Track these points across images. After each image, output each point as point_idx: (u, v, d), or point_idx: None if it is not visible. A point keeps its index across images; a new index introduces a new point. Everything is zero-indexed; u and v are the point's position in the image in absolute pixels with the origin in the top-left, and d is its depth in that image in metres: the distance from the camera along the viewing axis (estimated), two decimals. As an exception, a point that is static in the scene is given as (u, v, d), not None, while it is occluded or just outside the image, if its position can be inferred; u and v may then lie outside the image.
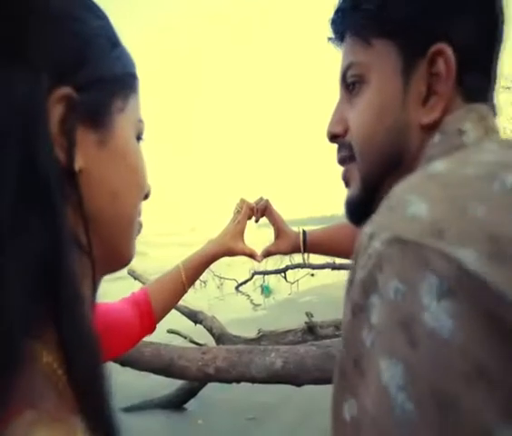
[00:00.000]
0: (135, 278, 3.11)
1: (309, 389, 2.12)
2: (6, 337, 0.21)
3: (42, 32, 0.26)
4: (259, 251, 0.81)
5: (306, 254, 0.83)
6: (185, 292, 0.70)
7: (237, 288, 9.37)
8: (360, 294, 0.24)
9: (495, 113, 0.37)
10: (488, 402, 0.18)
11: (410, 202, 0.24)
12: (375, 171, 0.40)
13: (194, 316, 3.05)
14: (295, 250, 0.80)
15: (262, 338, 2.91)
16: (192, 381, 2.85)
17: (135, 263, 3.06)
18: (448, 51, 0.35)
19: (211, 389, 3.01)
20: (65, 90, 0.27)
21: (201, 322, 3.02)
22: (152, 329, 0.65)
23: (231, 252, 0.75)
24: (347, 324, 0.25)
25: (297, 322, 2.84)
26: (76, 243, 0.28)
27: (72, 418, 0.23)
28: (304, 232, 0.80)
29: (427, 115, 0.37)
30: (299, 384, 2.04)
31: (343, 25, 0.43)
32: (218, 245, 0.74)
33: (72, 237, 0.27)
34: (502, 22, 0.37)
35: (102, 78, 0.30)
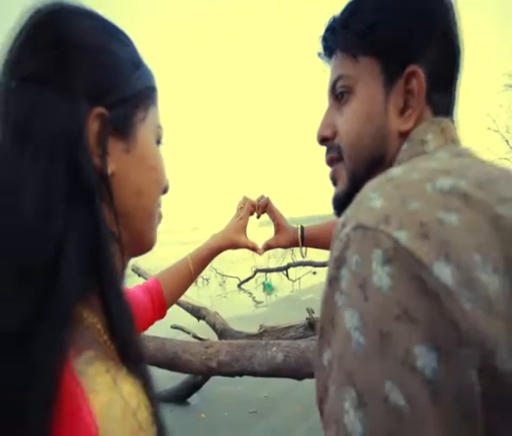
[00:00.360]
0: (140, 275, 3.17)
1: (309, 382, 2.17)
2: (66, 301, 0.28)
3: (81, 65, 0.33)
4: (260, 246, 0.87)
5: (304, 249, 0.89)
6: (192, 281, 0.76)
7: (239, 285, 9.42)
8: (334, 268, 0.32)
9: (455, 125, 0.44)
10: (411, 333, 0.26)
11: (371, 198, 0.32)
12: (360, 170, 0.46)
13: (197, 312, 3.10)
14: (293, 244, 0.85)
15: (264, 333, 2.96)
16: (195, 374, 2.91)
17: (140, 261, 3.12)
18: (420, 73, 0.42)
19: (214, 383, 3.07)
20: (99, 110, 0.34)
21: (203, 318, 3.06)
22: (163, 314, 0.71)
23: (234, 245, 0.80)
24: (325, 293, 0.33)
25: (298, 318, 2.88)
26: (110, 233, 0.35)
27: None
28: (302, 227, 0.86)
29: (403, 124, 0.44)
30: (299, 378, 2.08)
31: (334, 42, 0.48)
32: (222, 239, 0.79)
33: (108, 228, 0.34)
34: (461, 53, 0.45)
35: (127, 97, 0.37)
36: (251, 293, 8.66)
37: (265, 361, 2.15)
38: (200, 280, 9.31)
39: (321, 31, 0.50)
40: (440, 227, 0.28)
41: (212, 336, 2.94)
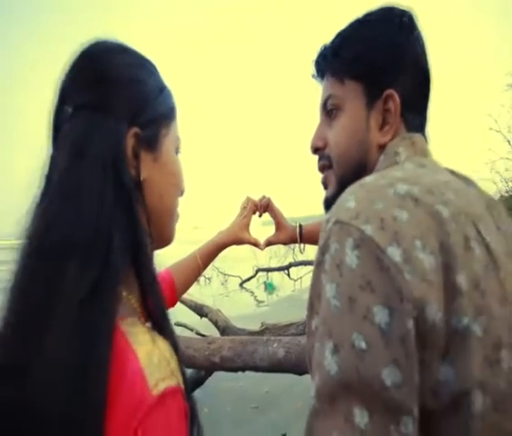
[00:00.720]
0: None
1: (310, 379, 2.21)
2: (114, 280, 0.37)
3: (120, 94, 0.42)
4: (262, 242, 0.94)
5: (303, 246, 0.96)
6: (200, 274, 0.85)
7: (241, 285, 9.46)
8: (320, 254, 0.41)
9: (426, 141, 0.53)
10: (371, 297, 0.35)
11: (347, 200, 0.41)
12: (347, 176, 0.54)
13: (200, 309, 3.16)
14: (292, 240, 0.94)
15: (265, 331, 3.01)
16: (198, 369, 2.96)
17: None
18: (396, 96, 0.51)
19: (217, 379, 3.12)
20: (134, 129, 0.43)
21: (206, 316, 3.12)
22: (174, 302, 0.79)
23: (238, 241, 0.89)
24: (313, 273, 0.42)
25: (299, 317, 2.93)
26: (144, 229, 0.43)
27: None
28: (300, 225, 0.94)
29: (382, 138, 0.53)
30: (300, 373, 2.14)
31: (325, 67, 0.58)
32: (227, 235, 0.88)
33: (143, 225, 0.42)
34: (429, 81, 0.55)
35: (154, 118, 0.46)
36: (252, 292, 8.70)
37: (267, 357, 2.22)
38: (202, 279, 9.36)
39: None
40: (394, 222, 0.38)
41: (215, 333, 2.99)
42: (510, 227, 0.47)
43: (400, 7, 0.55)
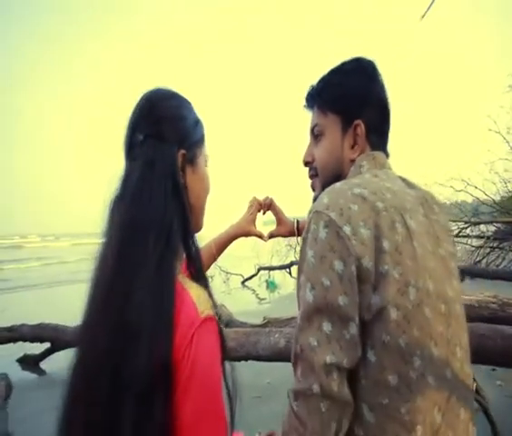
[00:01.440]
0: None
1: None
2: (174, 249, 0.57)
3: (172, 128, 0.63)
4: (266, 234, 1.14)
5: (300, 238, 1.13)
6: (215, 260, 1.04)
7: (243, 283, 9.58)
8: (305, 233, 0.63)
9: (387, 156, 0.74)
10: (333, 255, 0.59)
11: (323, 197, 0.64)
12: (328, 182, 0.73)
13: (205, 304, 3.28)
14: (291, 233, 1.13)
15: (267, 324, 3.15)
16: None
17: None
18: (362, 125, 0.74)
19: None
20: (182, 151, 0.64)
21: (211, 310, 3.25)
22: None
23: (246, 233, 1.09)
24: (301, 247, 0.64)
25: (300, 312, 3.04)
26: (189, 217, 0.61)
27: None
28: (297, 220, 1.13)
29: (352, 155, 0.75)
30: (300, 362, 2.26)
31: (313, 103, 0.81)
32: (237, 228, 1.08)
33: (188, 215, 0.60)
34: (389, 112, 0.74)
35: (193, 143, 0.66)
36: (254, 290, 8.80)
37: (268, 346, 2.35)
38: (204, 277, 9.43)
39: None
40: (349, 211, 0.60)
41: (219, 327, 3.11)
42: (438, 216, 0.68)
43: (367, 59, 0.75)
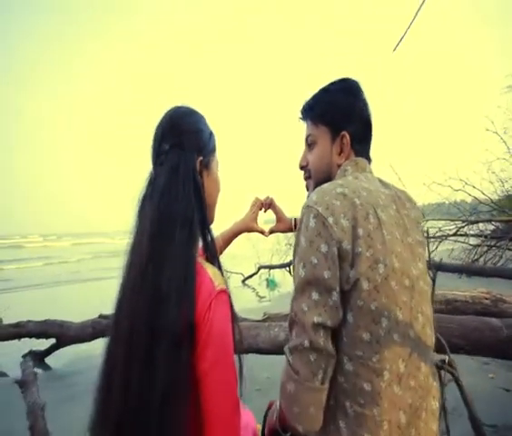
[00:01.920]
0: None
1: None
2: (195, 235, 0.72)
3: (192, 139, 0.74)
4: (267, 230, 1.27)
5: None
6: (221, 253, 1.16)
7: (243, 281, 9.68)
8: (299, 223, 0.78)
9: (369, 162, 0.87)
10: (320, 240, 0.73)
11: (312, 195, 0.79)
12: (319, 183, 0.85)
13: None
14: (290, 230, 1.24)
15: (268, 320, 3.23)
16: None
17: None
18: (347, 135, 0.89)
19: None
20: (200, 158, 0.78)
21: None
22: None
23: (249, 229, 1.21)
24: (295, 235, 0.73)
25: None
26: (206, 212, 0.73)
27: None
28: (295, 218, 1.24)
29: (339, 160, 0.90)
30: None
31: (306, 116, 0.96)
32: (242, 224, 1.20)
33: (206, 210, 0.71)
34: (370, 125, 0.87)
35: (209, 152, 0.82)
36: (254, 289, 8.87)
37: (268, 340, 2.45)
38: (205, 276, 9.48)
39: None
40: (332, 206, 0.74)
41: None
42: (409, 211, 0.81)
43: (352, 79, 0.88)
